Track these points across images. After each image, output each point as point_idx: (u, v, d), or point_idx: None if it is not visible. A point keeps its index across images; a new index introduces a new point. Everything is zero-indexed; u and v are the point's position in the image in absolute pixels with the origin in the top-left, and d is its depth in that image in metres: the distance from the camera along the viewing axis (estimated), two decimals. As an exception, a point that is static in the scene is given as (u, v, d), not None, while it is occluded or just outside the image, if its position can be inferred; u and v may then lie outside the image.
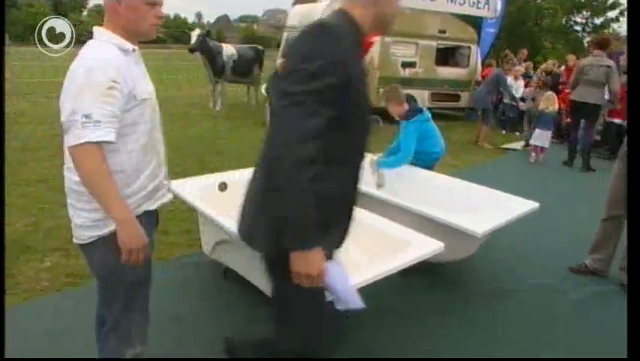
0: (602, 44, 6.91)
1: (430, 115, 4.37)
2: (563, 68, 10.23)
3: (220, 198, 3.33)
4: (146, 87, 1.74)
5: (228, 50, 10.14)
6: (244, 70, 10.47)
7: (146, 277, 1.88)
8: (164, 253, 3.50)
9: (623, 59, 8.87)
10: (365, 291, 1.75)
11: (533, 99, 8.84)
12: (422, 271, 2.94)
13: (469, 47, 10.60)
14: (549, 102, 7.57)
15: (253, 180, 1.63)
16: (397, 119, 4.29)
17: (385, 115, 9.75)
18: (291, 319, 1.69)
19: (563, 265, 3.76)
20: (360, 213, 3.06)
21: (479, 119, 8.84)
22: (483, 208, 3.30)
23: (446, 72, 10.29)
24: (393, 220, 2.99)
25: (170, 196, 1.93)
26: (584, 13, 24.10)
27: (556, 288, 3.44)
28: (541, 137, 7.47)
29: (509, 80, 9.30)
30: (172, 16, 71.34)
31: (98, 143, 1.53)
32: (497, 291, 3.34)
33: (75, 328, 2.60)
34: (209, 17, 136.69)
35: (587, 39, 24.00)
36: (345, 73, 1.37)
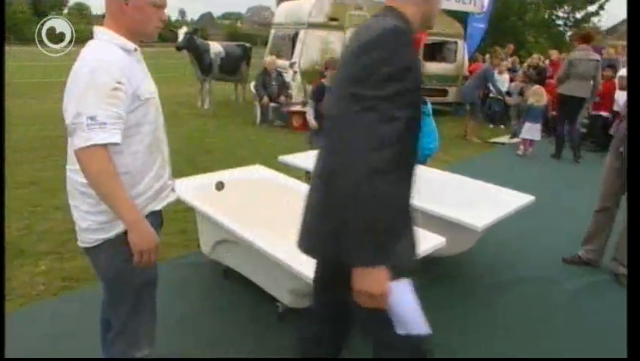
0: (586, 38, 7.03)
1: (430, 109, 4.43)
2: (547, 62, 10.35)
3: (217, 197, 3.31)
4: (149, 86, 1.72)
5: (215, 47, 10.06)
6: (231, 68, 10.40)
7: (154, 277, 1.87)
8: (161, 253, 3.40)
9: (606, 52, 9.01)
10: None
11: (522, 93, 8.93)
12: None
13: (456, 42, 10.67)
14: (538, 96, 7.66)
15: (314, 191, 1.53)
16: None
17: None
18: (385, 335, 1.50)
19: (558, 256, 3.81)
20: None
21: (467, 113, 8.90)
22: (479, 202, 3.32)
23: (434, 67, 10.33)
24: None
25: (174, 196, 1.92)
26: (566, 7, 24.38)
27: (552, 280, 3.49)
28: (532, 130, 7.56)
29: (494, 74, 9.40)
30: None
31: (105, 145, 1.52)
32: (497, 285, 3.38)
33: (75, 332, 2.57)
34: (193, 14, 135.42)
35: (568, 33, 24.33)
36: (416, 76, 1.34)
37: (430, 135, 4.35)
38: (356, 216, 1.24)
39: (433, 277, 3.34)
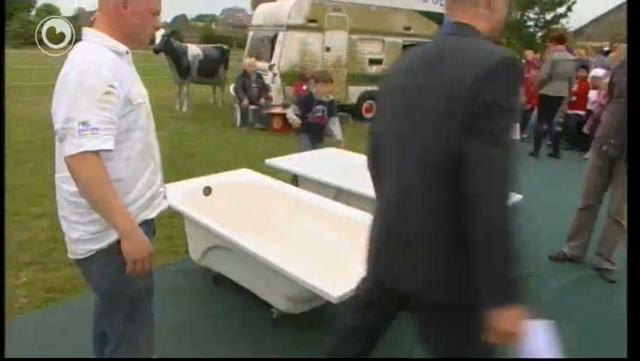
0: (560, 39, 7.22)
1: None
2: (524, 61, 10.56)
3: (204, 202, 3.26)
4: (140, 91, 1.67)
5: (193, 50, 9.94)
6: (210, 70, 10.28)
7: (150, 286, 1.82)
8: (148, 261, 3.39)
9: (577, 53, 9.23)
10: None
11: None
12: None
13: (434, 43, 10.80)
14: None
15: (401, 220, 1.41)
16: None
17: (355, 112, 9.90)
18: None
19: (542, 254, 3.89)
20: (354, 213, 3.09)
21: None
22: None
23: (412, 68, 10.44)
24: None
25: (166, 203, 1.86)
26: (536, 9, 25.04)
27: (539, 277, 3.55)
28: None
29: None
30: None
31: (97, 151, 1.46)
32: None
33: (61, 344, 2.50)
34: (166, 16, 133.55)
35: (539, 34, 24.99)
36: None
37: None
38: (498, 257, 1.21)
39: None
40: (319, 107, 4.62)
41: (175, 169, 5.76)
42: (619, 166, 3.43)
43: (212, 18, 72.42)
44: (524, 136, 8.22)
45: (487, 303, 1.25)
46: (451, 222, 1.31)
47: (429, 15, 10.78)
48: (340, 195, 3.63)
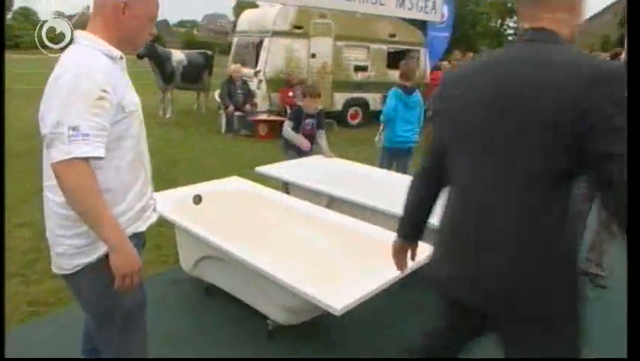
0: None
1: (411, 100, 4.86)
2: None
3: (194, 211, 3.18)
4: (133, 98, 1.61)
5: (177, 55, 9.83)
6: (194, 76, 10.19)
7: (142, 300, 1.74)
8: (137, 272, 3.29)
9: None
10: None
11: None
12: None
13: (418, 51, 10.89)
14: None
15: (494, 234, 1.34)
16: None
17: (340, 119, 9.90)
18: None
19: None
20: (346, 220, 3.06)
21: (428, 120, 9.07)
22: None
23: (397, 75, 10.47)
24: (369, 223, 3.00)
25: (156, 216, 1.78)
26: (515, 17, 25.57)
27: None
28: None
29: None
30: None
31: (87, 159, 1.39)
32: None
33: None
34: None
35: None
36: None
37: (418, 125, 4.86)
38: None
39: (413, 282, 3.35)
40: (308, 120, 4.55)
41: (159, 176, 5.64)
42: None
43: (193, 24, 71.99)
44: None
45: None
46: (549, 236, 1.29)
47: (412, 22, 10.86)
48: (333, 202, 3.60)
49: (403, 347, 2.46)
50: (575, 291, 1.35)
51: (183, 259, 3.05)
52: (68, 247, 1.53)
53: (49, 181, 1.50)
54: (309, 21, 9.26)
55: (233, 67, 8.98)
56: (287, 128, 4.54)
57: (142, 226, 1.66)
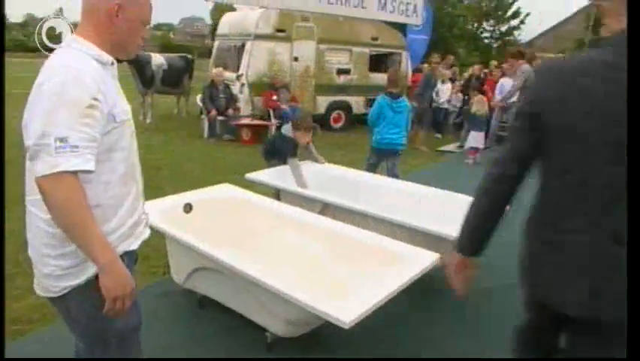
0: (521, 55, 7.54)
1: (398, 105, 4.89)
2: (486, 71, 10.87)
3: (185, 220, 3.08)
4: (125, 106, 1.51)
5: (157, 59, 9.64)
6: (174, 80, 10.01)
7: (137, 322, 1.63)
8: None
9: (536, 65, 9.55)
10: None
11: (464, 103, 9.30)
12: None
13: (400, 54, 10.94)
14: (480, 105, 7.98)
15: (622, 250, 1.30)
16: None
17: (323, 122, 9.86)
18: None
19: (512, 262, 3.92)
20: (338, 226, 3.00)
21: (415, 122, 9.11)
22: (456, 215, 3.32)
23: (380, 78, 10.48)
24: (362, 228, 2.96)
25: (149, 232, 1.67)
26: (491, 21, 26.01)
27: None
28: (476, 138, 7.84)
29: (438, 83, 9.79)
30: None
31: (75, 172, 1.28)
32: (483, 291, 3.40)
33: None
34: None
35: (495, 45, 25.94)
36: None
37: (405, 129, 5.01)
38: None
39: (425, 288, 3.32)
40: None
41: (143, 184, 5.51)
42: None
43: (170, 27, 71.09)
44: (487, 146, 8.41)
45: None
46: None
47: (392, 26, 10.91)
48: (326, 208, 3.54)
49: (405, 352, 2.42)
50: None
51: (175, 271, 2.94)
52: (55, 268, 1.42)
53: (32, 195, 1.39)
54: (292, 24, 9.20)
55: (215, 71, 8.84)
56: (294, 163, 4.19)
57: (134, 244, 1.55)
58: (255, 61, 9.02)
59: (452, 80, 10.30)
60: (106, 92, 1.38)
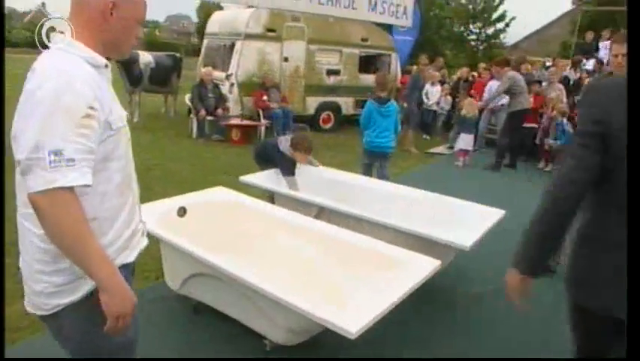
0: (506, 63, 7.68)
1: (386, 110, 4.96)
2: (474, 74, 10.94)
3: (179, 224, 3.03)
4: (121, 112, 1.42)
5: (145, 57, 9.49)
6: (162, 79, 9.86)
7: (135, 335, 1.57)
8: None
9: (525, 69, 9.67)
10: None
11: (453, 105, 9.36)
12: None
13: (390, 55, 10.96)
14: (470, 108, 8.04)
15: None
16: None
17: (313, 123, 9.83)
18: None
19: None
20: (337, 231, 2.98)
21: (403, 122, 9.13)
22: (452, 219, 3.33)
23: (369, 79, 10.50)
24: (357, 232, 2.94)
25: (146, 241, 1.60)
26: (478, 23, 26.23)
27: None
28: (466, 140, 7.89)
29: (427, 85, 9.83)
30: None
31: (72, 187, 1.20)
32: (475, 296, 3.41)
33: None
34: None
35: (481, 47, 26.18)
36: None
37: (394, 132, 5.12)
38: None
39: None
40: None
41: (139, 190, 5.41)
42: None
43: (155, 24, 70.28)
44: (476, 148, 8.46)
45: None
46: None
47: (379, 26, 10.92)
48: (322, 212, 3.51)
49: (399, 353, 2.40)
50: None
51: (170, 277, 2.88)
52: (47, 285, 1.34)
53: (25, 208, 1.30)
54: (283, 24, 9.15)
55: (205, 70, 8.74)
56: (292, 182, 4.09)
57: (130, 256, 1.48)
58: (245, 60, 8.95)
59: (442, 83, 10.35)
60: (102, 98, 1.29)
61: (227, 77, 9.00)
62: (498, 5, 25.54)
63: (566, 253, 3.73)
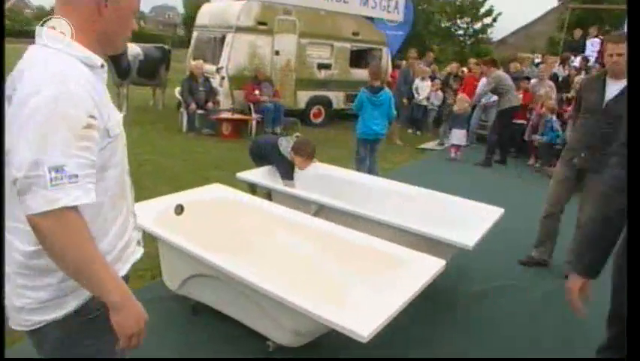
0: (494, 64, 7.75)
1: (378, 99, 5.19)
2: (465, 70, 10.97)
3: (175, 221, 2.98)
4: (117, 116, 1.33)
5: (133, 49, 9.31)
6: (150, 71, 9.72)
7: (122, 353, 1.51)
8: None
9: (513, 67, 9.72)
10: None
11: (444, 101, 9.37)
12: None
13: (381, 49, 10.93)
14: (461, 103, 8.06)
15: None
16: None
17: (303, 117, 9.77)
18: None
19: (514, 262, 3.99)
20: (336, 229, 2.95)
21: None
22: (452, 217, 3.33)
23: (360, 73, 10.46)
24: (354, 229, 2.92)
25: (141, 251, 1.51)
26: (466, 18, 26.32)
27: (517, 287, 3.60)
28: (458, 136, 7.92)
29: (417, 80, 9.82)
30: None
31: (76, 207, 1.11)
32: (475, 294, 3.42)
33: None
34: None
35: (469, 42, 26.29)
36: None
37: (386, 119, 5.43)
38: None
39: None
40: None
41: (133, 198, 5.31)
42: (588, 178, 3.55)
43: (141, 15, 69.25)
44: (468, 143, 8.50)
45: None
46: None
47: (370, 20, 10.87)
48: (321, 210, 3.48)
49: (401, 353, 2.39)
50: None
51: (169, 278, 2.83)
52: (31, 301, 1.25)
53: (14, 222, 1.21)
54: (274, 17, 9.05)
55: (195, 63, 8.61)
56: (291, 187, 3.97)
57: (123, 269, 1.38)
58: (236, 54, 8.83)
59: (432, 78, 10.35)
60: (100, 104, 1.19)
61: (218, 70, 8.88)
62: (485, 0, 25.66)
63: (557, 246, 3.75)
